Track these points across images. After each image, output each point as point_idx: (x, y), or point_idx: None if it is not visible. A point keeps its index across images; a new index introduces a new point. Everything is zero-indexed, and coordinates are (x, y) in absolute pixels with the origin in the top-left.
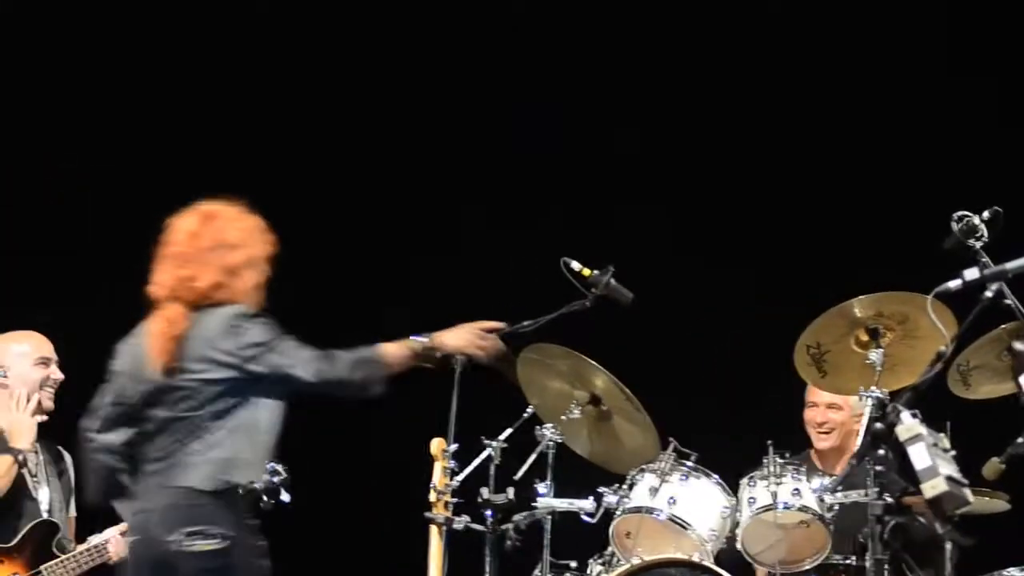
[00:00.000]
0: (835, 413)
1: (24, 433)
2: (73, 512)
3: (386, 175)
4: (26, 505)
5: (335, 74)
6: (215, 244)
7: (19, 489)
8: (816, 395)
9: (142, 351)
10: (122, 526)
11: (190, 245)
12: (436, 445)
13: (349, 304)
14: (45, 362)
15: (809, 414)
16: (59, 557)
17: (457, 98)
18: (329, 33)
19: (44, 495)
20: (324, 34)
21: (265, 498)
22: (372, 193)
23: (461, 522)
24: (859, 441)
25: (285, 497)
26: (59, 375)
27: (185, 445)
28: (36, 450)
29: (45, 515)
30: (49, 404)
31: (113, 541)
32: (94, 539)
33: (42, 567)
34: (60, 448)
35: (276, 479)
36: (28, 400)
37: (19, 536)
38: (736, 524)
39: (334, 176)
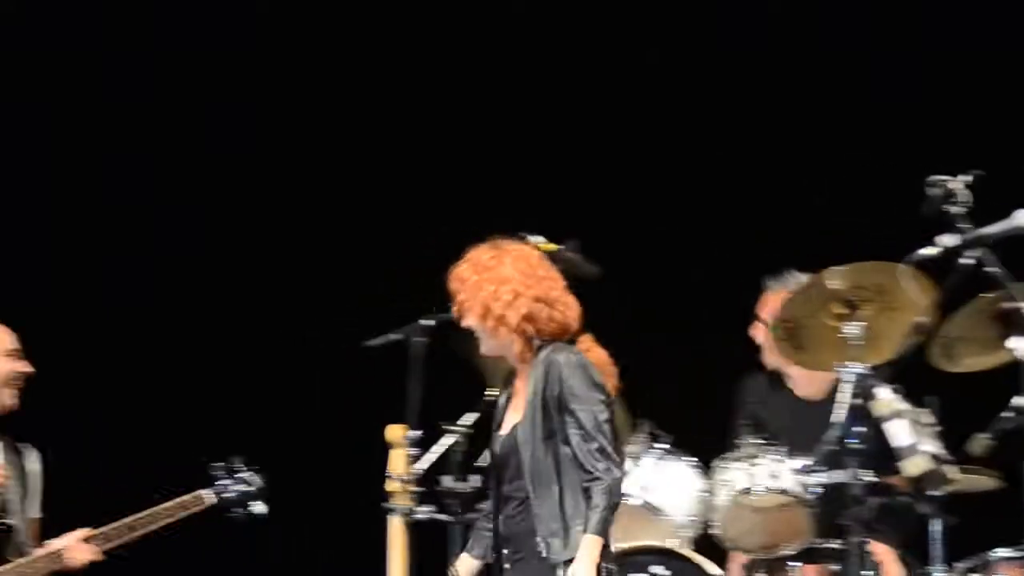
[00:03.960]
0: None
1: None
2: (36, 513)
3: None
4: None
5: None
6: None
7: None
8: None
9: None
10: (84, 531)
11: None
12: (393, 432)
13: None
14: (14, 354)
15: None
16: (13, 562)
17: None
18: None
19: None
20: None
21: (239, 509)
22: None
23: (425, 513)
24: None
25: (262, 508)
26: (28, 368)
27: None
28: None
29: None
30: (14, 401)
31: (73, 547)
32: (54, 543)
33: None
34: (22, 445)
35: (252, 487)
36: None
37: None
38: (711, 508)
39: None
